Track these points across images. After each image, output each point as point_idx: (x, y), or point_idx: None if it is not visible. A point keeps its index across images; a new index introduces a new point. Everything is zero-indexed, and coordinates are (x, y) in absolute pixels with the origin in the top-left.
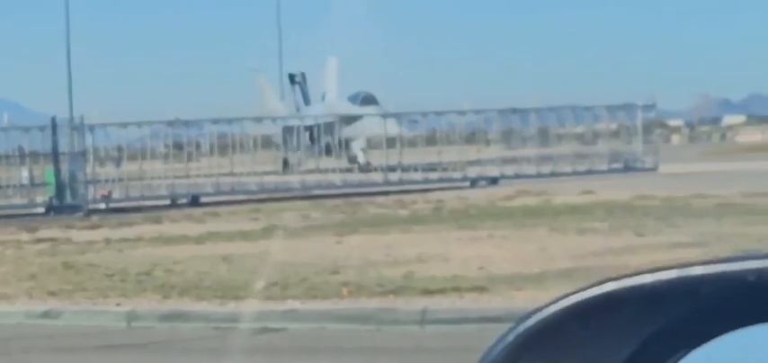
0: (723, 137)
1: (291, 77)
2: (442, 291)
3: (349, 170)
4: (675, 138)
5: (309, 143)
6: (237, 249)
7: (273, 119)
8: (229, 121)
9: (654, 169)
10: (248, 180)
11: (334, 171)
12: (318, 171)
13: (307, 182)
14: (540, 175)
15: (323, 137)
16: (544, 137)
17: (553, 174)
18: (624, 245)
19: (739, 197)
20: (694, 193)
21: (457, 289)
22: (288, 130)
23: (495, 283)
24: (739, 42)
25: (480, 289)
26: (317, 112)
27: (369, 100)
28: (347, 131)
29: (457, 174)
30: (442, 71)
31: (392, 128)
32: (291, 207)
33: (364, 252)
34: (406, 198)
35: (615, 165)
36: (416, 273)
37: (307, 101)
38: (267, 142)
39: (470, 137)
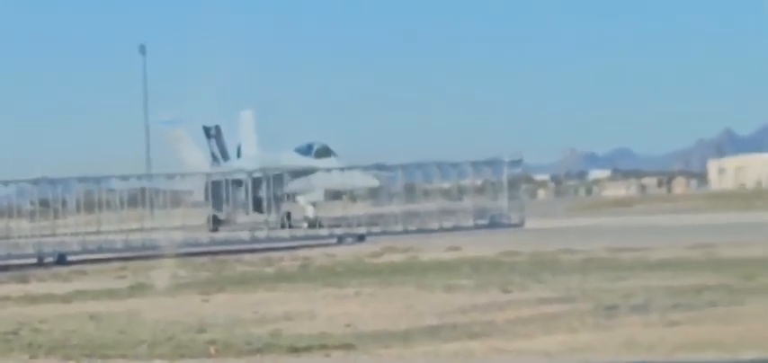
0: (589, 191)
1: (207, 130)
2: (308, 349)
3: (288, 226)
4: (542, 193)
5: (242, 198)
6: (105, 307)
7: (208, 174)
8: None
9: (520, 224)
10: (115, 237)
11: (270, 227)
12: (250, 228)
13: (174, 240)
14: (406, 232)
15: (258, 192)
16: (411, 193)
17: (420, 231)
18: (490, 302)
19: (604, 252)
20: (560, 248)
21: (324, 347)
22: (216, 185)
23: (362, 341)
24: (605, 96)
25: (347, 347)
26: (249, 166)
27: (324, 152)
28: (296, 184)
29: (323, 231)
30: (310, 127)
31: (362, 180)
32: (159, 265)
33: (231, 310)
34: (274, 255)
35: (481, 221)
36: (284, 331)
37: (225, 154)
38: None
39: (335, 195)
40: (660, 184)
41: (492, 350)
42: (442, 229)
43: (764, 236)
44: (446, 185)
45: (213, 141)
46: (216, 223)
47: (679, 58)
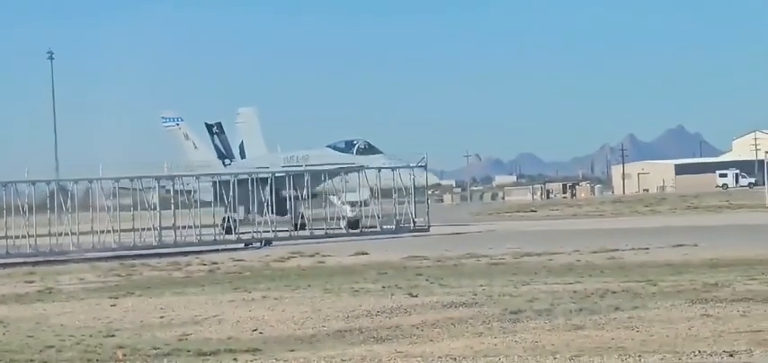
0: (494, 196)
1: (209, 128)
2: (216, 353)
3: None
4: (448, 199)
5: (264, 198)
6: (12, 312)
7: (235, 173)
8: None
9: (426, 229)
10: (23, 242)
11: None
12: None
13: (83, 244)
14: (313, 237)
15: (282, 192)
16: (317, 198)
17: (327, 235)
18: (397, 306)
19: (510, 256)
20: (466, 253)
21: (231, 352)
22: (223, 185)
23: (268, 345)
24: (510, 103)
25: (254, 351)
26: (269, 164)
27: (368, 149)
28: (333, 183)
29: (231, 236)
30: None
31: (420, 177)
32: (66, 270)
33: (139, 314)
34: (181, 260)
35: (388, 226)
36: (191, 335)
37: (228, 152)
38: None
39: (244, 198)
40: (565, 189)
41: (398, 354)
42: (349, 234)
43: (666, 241)
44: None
45: (216, 138)
46: (232, 224)
47: (583, 65)
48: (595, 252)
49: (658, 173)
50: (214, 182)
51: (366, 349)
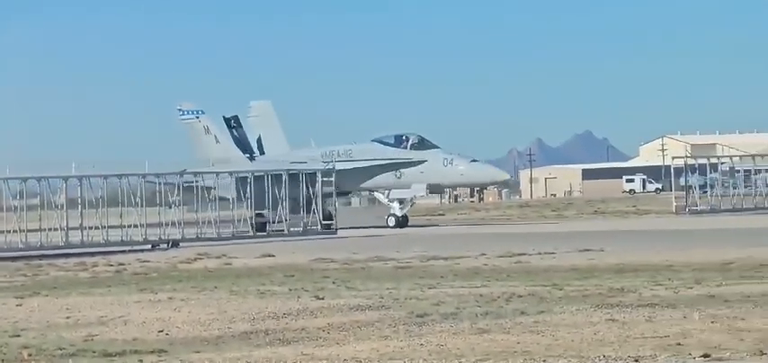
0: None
1: (227, 121)
2: (121, 354)
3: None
4: (356, 202)
5: (294, 195)
6: None
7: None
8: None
9: (333, 232)
10: None
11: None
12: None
13: None
14: (220, 238)
15: (313, 189)
16: (224, 199)
17: (234, 237)
18: (303, 308)
19: (417, 260)
20: (373, 256)
21: (137, 352)
22: (257, 180)
23: (174, 346)
24: (418, 105)
25: (160, 352)
26: (309, 159)
27: (422, 143)
28: (382, 179)
29: (138, 237)
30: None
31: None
32: None
33: (45, 314)
34: (88, 260)
35: (295, 229)
36: (97, 336)
37: (248, 147)
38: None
39: (152, 199)
40: (472, 193)
41: (304, 356)
42: (257, 236)
43: (573, 245)
44: None
45: (234, 132)
46: (262, 222)
47: (491, 69)
48: (502, 257)
49: (566, 178)
50: (238, 178)
51: (272, 351)
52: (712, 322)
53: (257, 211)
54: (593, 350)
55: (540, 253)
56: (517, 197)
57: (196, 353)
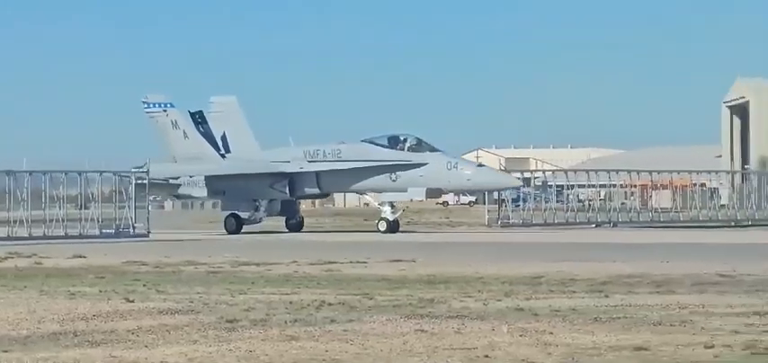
0: (216, 204)
1: (193, 116)
2: None
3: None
4: (168, 205)
5: (274, 194)
6: None
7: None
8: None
9: (146, 235)
10: None
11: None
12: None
13: None
14: (31, 237)
15: (302, 188)
16: (37, 199)
17: (45, 237)
18: (113, 310)
19: (228, 265)
20: (185, 260)
21: None
22: (231, 179)
23: None
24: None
25: None
26: (291, 158)
27: (420, 146)
28: (374, 182)
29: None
30: None
31: (498, 179)
32: None
33: None
34: None
35: (107, 230)
36: None
37: (214, 143)
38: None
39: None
40: None
41: (112, 359)
42: (68, 237)
43: (385, 255)
44: (73, 193)
45: (200, 128)
46: (237, 223)
47: (315, 71)
48: (313, 264)
49: None
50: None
51: (80, 352)
52: (521, 335)
53: (234, 210)
54: (401, 360)
55: (351, 262)
56: (331, 205)
57: (4, 352)
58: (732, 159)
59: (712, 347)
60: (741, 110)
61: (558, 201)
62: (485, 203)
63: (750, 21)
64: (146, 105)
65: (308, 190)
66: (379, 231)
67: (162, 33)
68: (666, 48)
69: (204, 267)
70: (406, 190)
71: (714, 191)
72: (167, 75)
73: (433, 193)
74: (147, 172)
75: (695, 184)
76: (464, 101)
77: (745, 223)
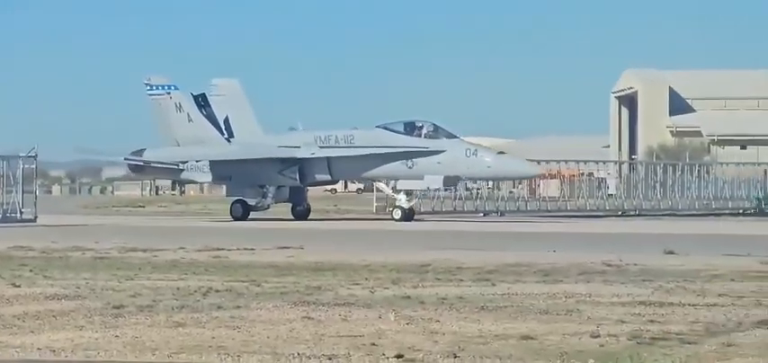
0: (103, 190)
1: (196, 99)
2: None
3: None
4: (56, 190)
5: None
6: None
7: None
8: None
9: (33, 220)
10: None
11: None
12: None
13: None
14: None
15: (312, 174)
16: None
17: None
18: None
19: (116, 251)
20: (72, 246)
21: None
22: (238, 164)
23: None
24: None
25: None
26: (302, 143)
27: (437, 132)
28: (389, 168)
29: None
30: None
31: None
32: None
33: None
34: None
35: None
36: None
37: (216, 125)
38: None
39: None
40: (174, 186)
41: None
42: None
43: (273, 242)
44: None
45: (203, 111)
46: (244, 209)
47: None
48: (200, 251)
49: None
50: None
51: None
52: (407, 323)
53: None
54: (288, 347)
55: (239, 249)
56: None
57: None
58: (620, 149)
59: (598, 336)
60: (629, 101)
61: (445, 190)
62: (372, 191)
63: (639, 11)
64: (148, 87)
65: (319, 177)
66: (394, 219)
67: (162, 12)
68: (556, 38)
69: (91, 252)
70: (422, 178)
71: (602, 181)
72: (167, 57)
73: (451, 181)
74: (35, 157)
75: (583, 174)
76: (364, 83)
77: (632, 213)
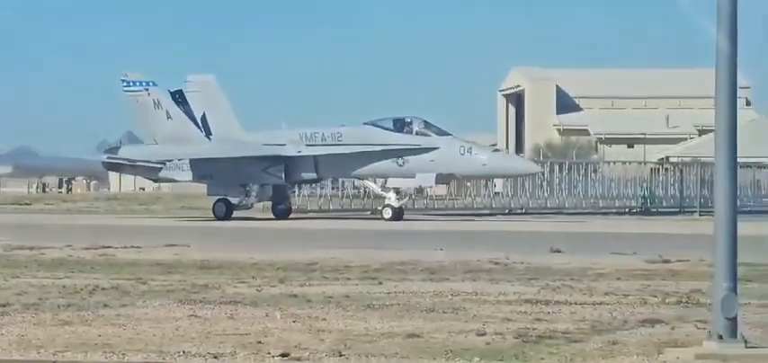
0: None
1: (173, 95)
2: None
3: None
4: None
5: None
6: None
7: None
8: None
9: None
10: None
11: None
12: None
13: None
14: None
15: (298, 173)
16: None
17: None
18: None
19: (1, 249)
20: None
21: None
22: (219, 162)
23: None
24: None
25: None
26: (287, 141)
27: (428, 129)
28: (378, 167)
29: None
30: None
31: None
32: None
33: None
34: None
35: None
36: None
37: (194, 122)
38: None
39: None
40: (61, 184)
41: None
42: None
43: (159, 240)
44: None
45: (180, 108)
46: (227, 208)
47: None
48: (87, 249)
49: None
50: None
51: None
52: (294, 321)
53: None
54: (174, 345)
55: (125, 247)
56: (106, 189)
57: None
58: (507, 148)
59: (484, 334)
60: (516, 99)
61: (333, 189)
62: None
63: (526, 10)
64: (125, 84)
65: (306, 175)
66: (384, 218)
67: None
68: (443, 36)
69: None
70: (414, 176)
71: (488, 180)
72: (140, 52)
73: (444, 179)
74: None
75: None
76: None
77: (519, 211)
